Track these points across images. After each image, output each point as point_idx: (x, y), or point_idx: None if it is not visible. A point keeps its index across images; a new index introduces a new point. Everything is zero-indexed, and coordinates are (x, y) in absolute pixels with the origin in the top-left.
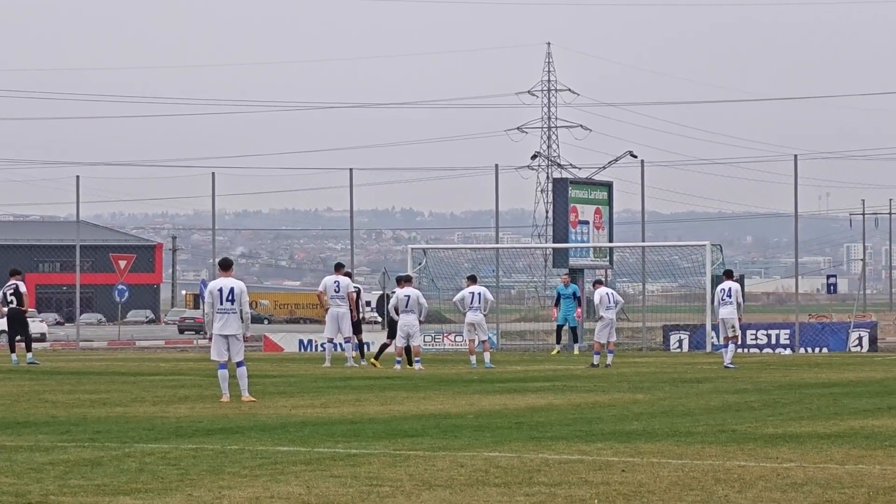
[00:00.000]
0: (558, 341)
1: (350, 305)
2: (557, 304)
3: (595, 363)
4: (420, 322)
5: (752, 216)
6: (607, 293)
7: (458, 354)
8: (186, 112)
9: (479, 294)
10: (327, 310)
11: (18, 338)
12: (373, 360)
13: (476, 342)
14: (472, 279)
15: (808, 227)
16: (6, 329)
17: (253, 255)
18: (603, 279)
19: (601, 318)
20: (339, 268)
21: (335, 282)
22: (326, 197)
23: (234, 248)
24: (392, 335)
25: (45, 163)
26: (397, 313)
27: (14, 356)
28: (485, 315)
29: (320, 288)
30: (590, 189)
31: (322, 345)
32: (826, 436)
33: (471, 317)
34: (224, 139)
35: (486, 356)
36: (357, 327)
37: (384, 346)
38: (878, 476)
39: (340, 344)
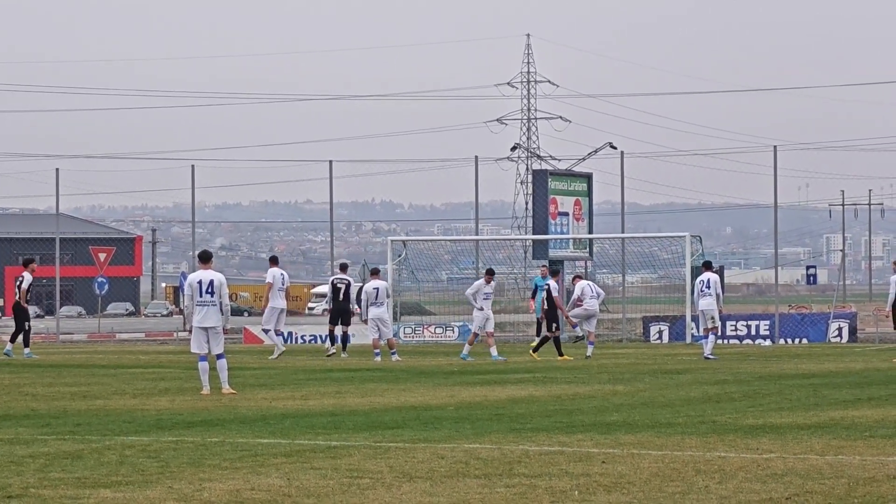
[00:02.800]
0: (538, 334)
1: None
2: (534, 295)
3: (588, 354)
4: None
5: (731, 207)
6: (588, 284)
7: (437, 346)
8: (166, 105)
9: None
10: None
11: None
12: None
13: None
14: (490, 273)
15: (787, 217)
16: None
17: (233, 247)
18: (582, 274)
19: (585, 308)
20: (274, 261)
21: (282, 274)
22: (306, 189)
23: (214, 240)
24: (551, 327)
25: (25, 155)
26: (366, 306)
27: (27, 350)
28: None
29: (269, 279)
30: (569, 180)
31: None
32: (806, 426)
33: (483, 308)
34: (203, 131)
35: (493, 350)
36: (346, 319)
37: (545, 339)
38: (858, 466)
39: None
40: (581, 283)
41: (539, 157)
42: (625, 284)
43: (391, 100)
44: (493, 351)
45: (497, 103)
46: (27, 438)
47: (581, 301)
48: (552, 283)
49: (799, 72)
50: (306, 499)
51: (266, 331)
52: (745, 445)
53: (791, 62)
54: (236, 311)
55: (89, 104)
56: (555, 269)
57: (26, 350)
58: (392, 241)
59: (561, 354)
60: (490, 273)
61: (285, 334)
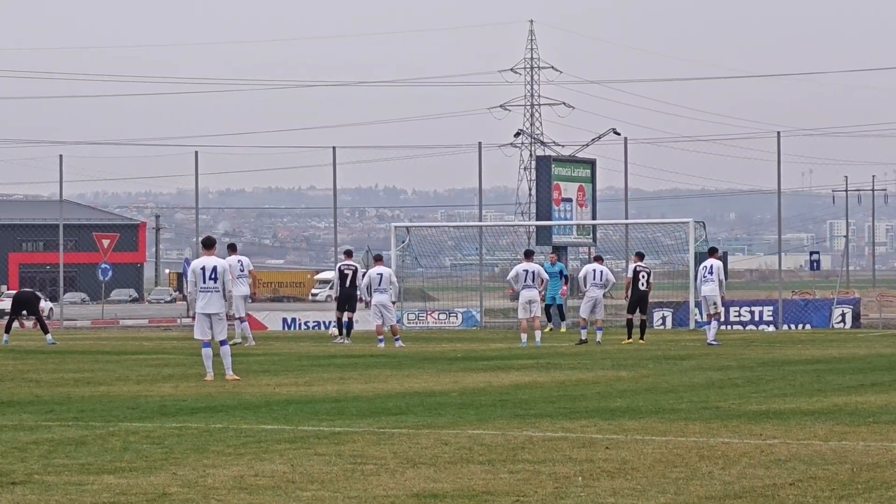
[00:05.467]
0: (549, 320)
1: (252, 283)
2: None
3: (583, 339)
4: (393, 302)
5: (735, 193)
6: (593, 270)
7: (441, 332)
8: (169, 91)
9: (534, 272)
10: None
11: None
12: (639, 339)
13: (535, 320)
14: (528, 255)
15: (791, 203)
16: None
17: (236, 233)
18: (602, 256)
19: (584, 293)
20: (232, 248)
21: (238, 261)
22: (310, 175)
23: (218, 226)
24: (631, 310)
25: (28, 142)
26: (369, 293)
27: (6, 336)
28: (540, 293)
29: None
30: (573, 166)
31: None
32: (810, 412)
33: (527, 294)
34: (207, 118)
35: (538, 334)
36: (352, 305)
37: (631, 322)
38: (861, 452)
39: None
40: (587, 267)
41: (542, 143)
42: (628, 271)
43: (394, 86)
44: (536, 335)
45: (500, 89)
46: (31, 425)
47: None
48: (371, 269)
49: (802, 57)
50: (310, 485)
51: (242, 320)
52: (749, 431)
53: (794, 48)
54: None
55: (93, 90)
56: (640, 252)
57: (5, 337)
58: (396, 227)
59: (630, 337)
60: (528, 254)
61: (288, 320)
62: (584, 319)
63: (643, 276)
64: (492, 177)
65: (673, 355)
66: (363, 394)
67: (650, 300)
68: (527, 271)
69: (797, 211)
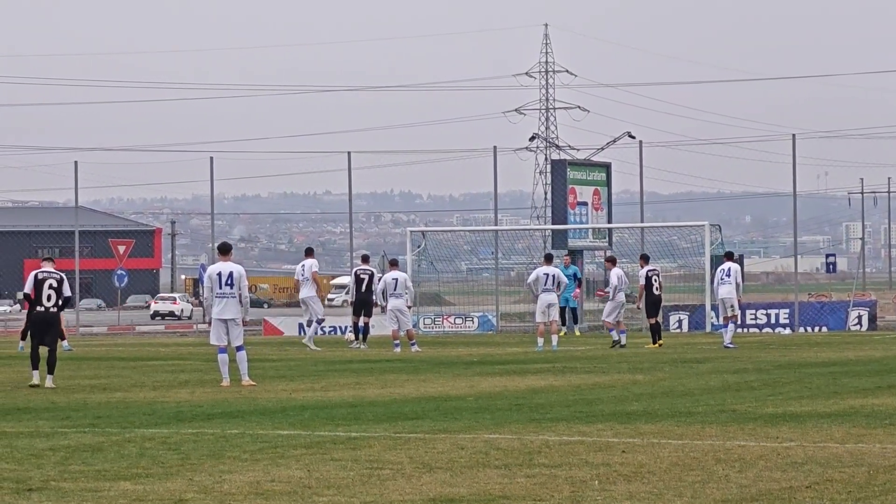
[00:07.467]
0: (563, 323)
1: (318, 287)
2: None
3: (623, 343)
4: (409, 307)
5: (750, 196)
6: (623, 273)
7: (457, 337)
8: (184, 97)
9: (553, 276)
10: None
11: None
12: (652, 344)
13: (552, 324)
14: (548, 259)
15: (806, 206)
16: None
17: (252, 239)
18: (615, 258)
19: (613, 298)
20: (309, 252)
21: (301, 265)
22: (325, 180)
23: (233, 232)
24: (653, 313)
25: (44, 148)
26: (385, 297)
27: (21, 343)
28: (558, 295)
29: (296, 275)
30: (588, 170)
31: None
32: (826, 415)
33: (546, 298)
34: (222, 123)
35: (554, 338)
36: (368, 310)
37: (658, 326)
38: (878, 454)
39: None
40: (616, 272)
41: (557, 146)
42: (640, 276)
43: (410, 90)
44: (553, 339)
45: (515, 93)
46: (47, 431)
47: (609, 291)
48: (386, 273)
49: (817, 59)
50: (326, 490)
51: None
52: (765, 434)
53: (809, 50)
54: (256, 303)
55: (108, 97)
56: (646, 255)
57: (21, 344)
58: (411, 231)
59: (656, 341)
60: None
61: (304, 324)
62: (622, 323)
63: (656, 280)
64: (507, 181)
65: (689, 358)
66: (379, 399)
67: (662, 303)
68: (547, 275)
69: (813, 213)
